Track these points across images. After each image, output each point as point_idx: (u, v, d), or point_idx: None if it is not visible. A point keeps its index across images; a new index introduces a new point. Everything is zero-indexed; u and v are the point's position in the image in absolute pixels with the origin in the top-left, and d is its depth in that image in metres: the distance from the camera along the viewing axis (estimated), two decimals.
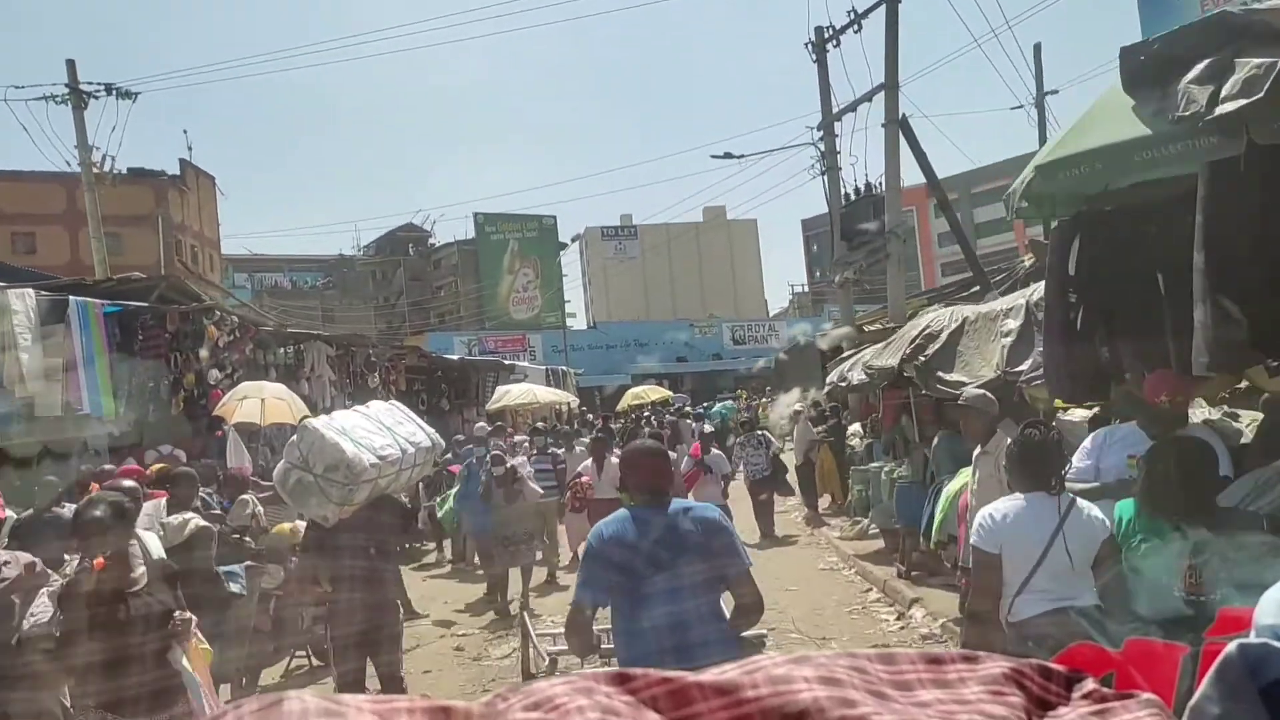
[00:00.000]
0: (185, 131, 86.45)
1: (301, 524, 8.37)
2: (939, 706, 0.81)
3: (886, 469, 13.41)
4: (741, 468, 15.91)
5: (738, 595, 3.87)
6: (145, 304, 13.92)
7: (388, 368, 21.25)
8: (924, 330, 10.43)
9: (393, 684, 6.04)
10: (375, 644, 5.94)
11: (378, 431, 6.02)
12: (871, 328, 19.45)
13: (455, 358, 26.86)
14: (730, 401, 30.15)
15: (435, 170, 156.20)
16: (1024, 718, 0.82)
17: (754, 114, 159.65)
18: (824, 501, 16.60)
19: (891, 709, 0.79)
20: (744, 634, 3.99)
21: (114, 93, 22.06)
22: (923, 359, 9.30)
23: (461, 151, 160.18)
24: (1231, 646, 0.81)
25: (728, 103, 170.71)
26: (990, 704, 0.81)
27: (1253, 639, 0.84)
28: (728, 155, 20.51)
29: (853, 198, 19.66)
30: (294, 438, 6.14)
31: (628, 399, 31.40)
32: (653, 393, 32.15)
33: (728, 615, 3.92)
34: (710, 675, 0.81)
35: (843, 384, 12.59)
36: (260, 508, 9.59)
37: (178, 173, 41.79)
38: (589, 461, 12.43)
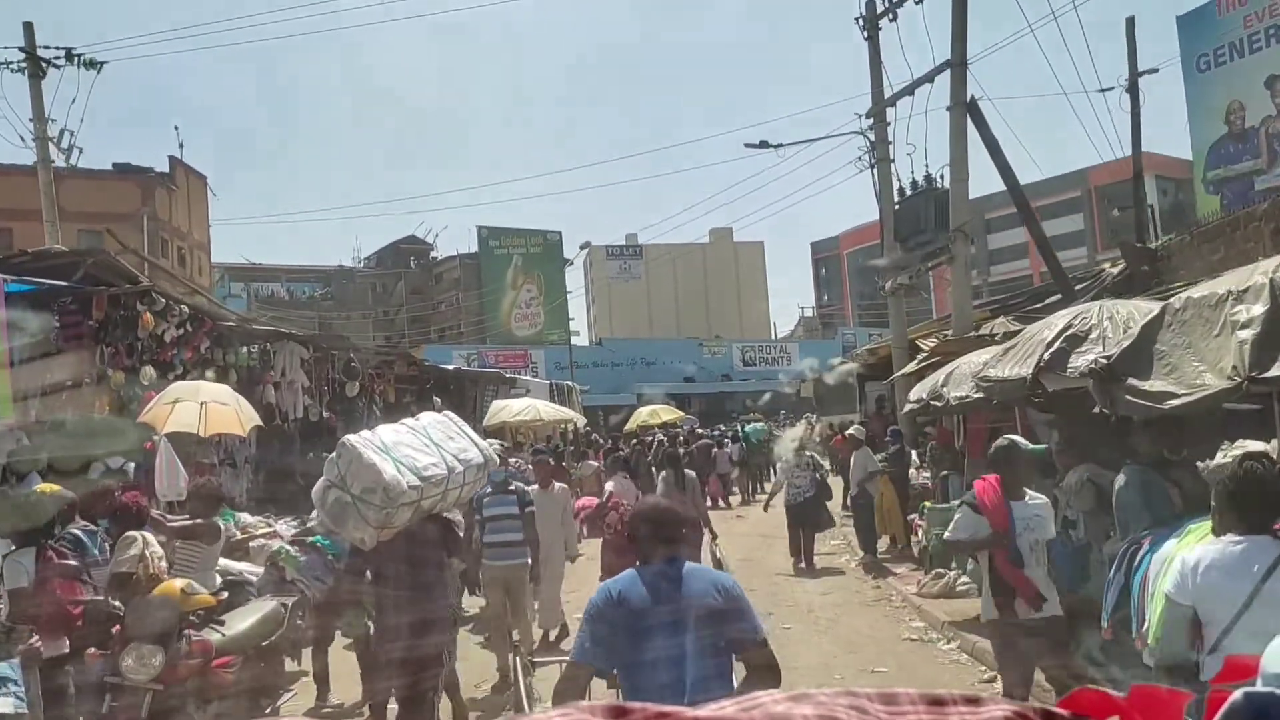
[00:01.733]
0: (176, 128, 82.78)
1: (200, 588, 5.72)
2: None
3: None
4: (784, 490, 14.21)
5: (754, 662, 3.61)
6: (66, 284, 11.16)
7: (372, 375, 18.39)
8: (1065, 330, 7.69)
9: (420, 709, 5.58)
10: (416, 666, 5.52)
11: (423, 449, 5.62)
12: (925, 343, 16.64)
13: (450, 367, 23.99)
14: (760, 424, 27.35)
15: (439, 182, 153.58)
16: None
17: (790, 99, 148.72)
18: (881, 543, 13.75)
19: None
20: None
21: (76, 61, 19.31)
22: (1101, 363, 6.46)
23: (466, 163, 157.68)
24: (1238, 695, 0.79)
25: (760, 88, 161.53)
26: None
27: (1259, 687, 0.83)
28: (763, 144, 17.72)
29: (907, 192, 16.87)
30: (333, 454, 5.70)
31: (637, 419, 28.66)
32: (665, 413, 29.29)
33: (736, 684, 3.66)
34: (708, 711, 0.79)
35: (936, 402, 9.73)
36: (154, 549, 6.73)
37: (167, 170, 39.06)
38: (613, 482, 10.66)
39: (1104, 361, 6.41)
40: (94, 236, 28.05)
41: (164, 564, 6.72)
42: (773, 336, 68.56)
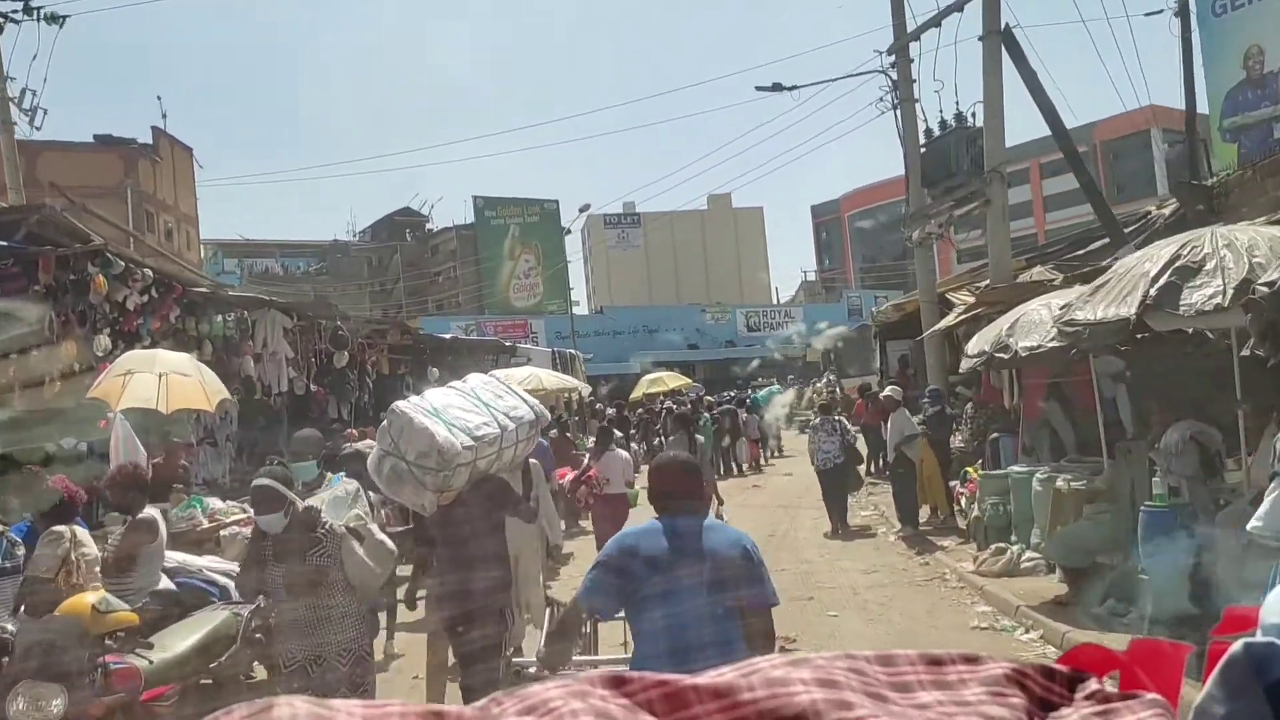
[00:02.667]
0: (159, 98, 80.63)
1: (117, 604, 4.44)
2: (939, 708, 0.78)
3: (1040, 476, 9.27)
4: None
5: (749, 624, 3.55)
6: (6, 243, 9.88)
7: (363, 345, 17.03)
8: (1173, 262, 6.39)
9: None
10: (479, 625, 5.36)
11: (474, 409, 5.50)
12: (958, 296, 15.30)
13: (448, 336, 22.63)
14: (775, 386, 26.11)
15: (434, 153, 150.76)
16: (1025, 719, 0.78)
17: (802, 38, 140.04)
18: (921, 513, 12.45)
19: (890, 711, 0.76)
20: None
21: (35, 14, 17.78)
22: (1261, 291, 5.11)
23: (462, 133, 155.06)
24: (1237, 645, 0.77)
25: (768, 25, 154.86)
26: (991, 705, 0.78)
27: (1258, 638, 0.81)
28: (776, 87, 16.25)
29: (935, 134, 15.44)
30: (384, 423, 5.58)
31: (643, 386, 27.48)
32: (671, 379, 28.04)
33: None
34: (707, 678, 0.78)
35: (1001, 354, 8.38)
36: (86, 549, 5.44)
37: (150, 141, 37.50)
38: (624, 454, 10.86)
39: (1265, 290, 5.06)
40: (73, 212, 26.57)
41: (97, 569, 5.42)
42: (774, 302, 67.02)
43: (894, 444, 12.06)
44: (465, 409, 5.51)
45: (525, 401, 5.96)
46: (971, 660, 0.83)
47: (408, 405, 5.47)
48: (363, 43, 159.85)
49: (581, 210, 34.10)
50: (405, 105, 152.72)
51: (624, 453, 11.36)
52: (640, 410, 25.20)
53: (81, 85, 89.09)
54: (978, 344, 9.03)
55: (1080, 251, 14.71)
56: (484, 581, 5.43)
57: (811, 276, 74.38)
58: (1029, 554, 9.18)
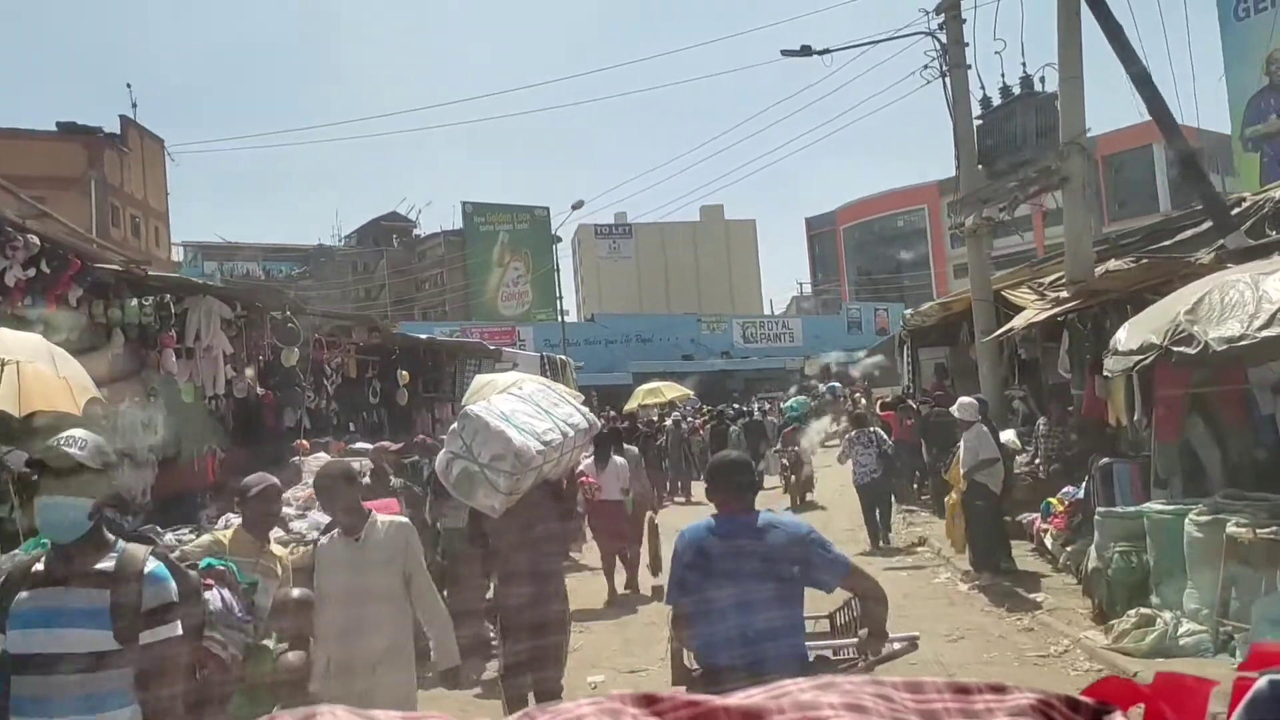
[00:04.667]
0: (129, 86, 77.01)
1: None
2: None
3: (1197, 517, 6.73)
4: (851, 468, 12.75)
5: (857, 592, 3.77)
6: None
7: (320, 343, 14.37)
8: None
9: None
10: (542, 647, 5.50)
11: (538, 415, 5.61)
12: (1018, 294, 12.79)
13: (424, 336, 19.95)
14: (803, 396, 23.66)
15: (422, 157, 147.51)
16: None
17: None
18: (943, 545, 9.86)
19: None
20: (894, 637, 3.81)
21: None
22: None
23: (451, 138, 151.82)
24: (1262, 681, 0.79)
25: None
26: None
27: None
28: (805, 50, 13.59)
29: (994, 103, 12.96)
30: (455, 426, 5.66)
31: (639, 396, 24.95)
32: (669, 390, 25.46)
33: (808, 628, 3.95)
34: (737, 699, 0.78)
35: (1184, 348, 5.82)
36: None
37: (118, 131, 34.79)
38: (590, 460, 10.22)
39: None
40: (26, 210, 23.87)
41: None
42: (769, 314, 64.59)
43: (966, 467, 9.44)
44: (530, 415, 5.56)
45: (578, 410, 5.97)
46: (998, 690, 0.82)
47: (481, 409, 5.50)
48: (356, 42, 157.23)
49: (575, 207, 31.67)
50: (395, 106, 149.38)
51: (620, 459, 11.02)
52: (632, 423, 22.61)
53: (46, 70, 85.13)
54: (1136, 335, 6.49)
55: (1167, 242, 12.21)
56: (545, 586, 5.57)
57: (807, 289, 71.91)
58: (1189, 625, 6.60)
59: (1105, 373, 7.08)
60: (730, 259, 77.21)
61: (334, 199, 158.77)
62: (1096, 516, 7.76)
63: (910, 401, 16.32)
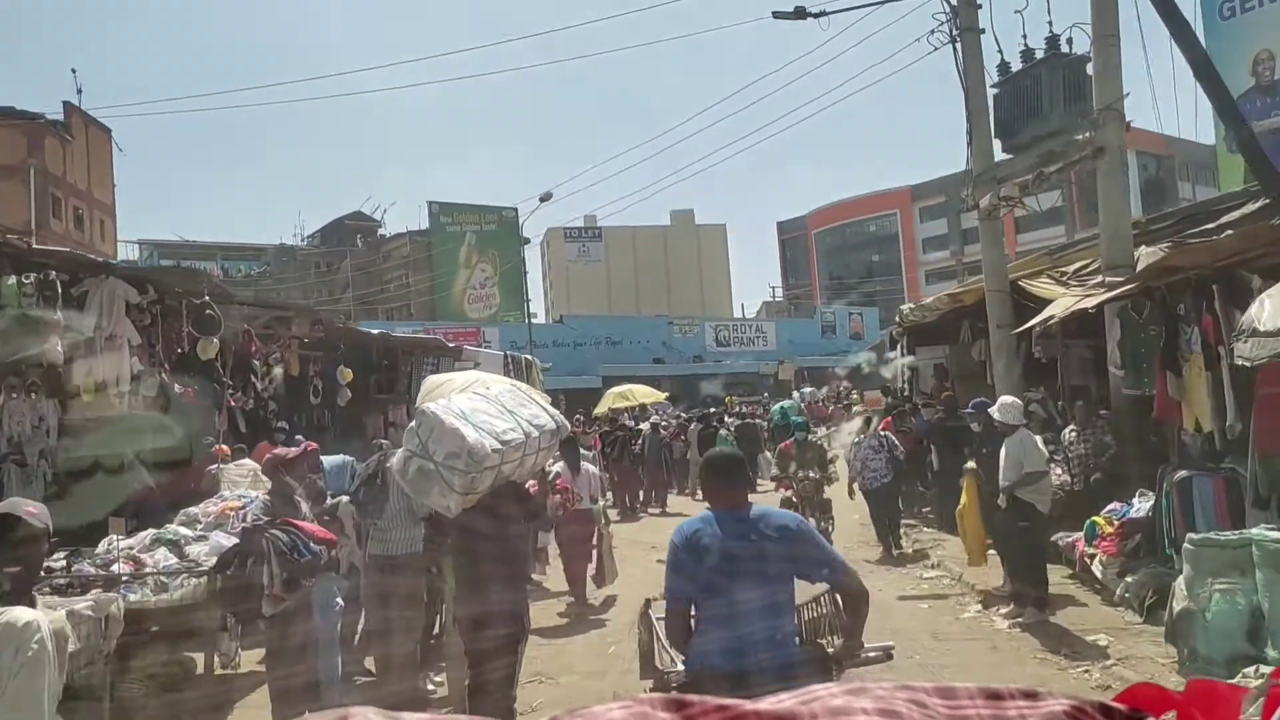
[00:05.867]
0: (74, 71, 73.33)
1: None
2: None
3: None
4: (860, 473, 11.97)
5: (841, 589, 3.75)
6: None
7: (250, 334, 12.53)
8: None
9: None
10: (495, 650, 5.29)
11: (499, 415, 5.49)
12: (1038, 285, 11.26)
13: (375, 331, 18.11)
14: (791, 402, 22.14)
15: (388, 157, 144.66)
16: None
17: None
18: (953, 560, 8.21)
19: None
20: (869, 647, 3.77)
21: None
22: None
23: (418, 136, 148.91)
24: None
25: None
26: None
27: None
28: (799, 12, 11.82)
29: (1014, 68, 11.40)
30: (411, 424, 5.59)
31: (609, 400, 23.26)
32: (640, 393, 23.83)
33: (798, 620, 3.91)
34: (768, 704, 0.77)
35: None
36: None
37: (60, 117, 32.59)
38: (561, 464, 9.58)
39: None
40: None
41: None
42: (742, 318, 63.17)
43: (1008, 481, 7.78)
44: (491, 414, 5.46)
45: (546, 410, 5.83)
46: (1031, 696, 0.80)
47: (437, 407, 5.36)
48: (319, 42, 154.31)
49: (543, 199, 29.87)
50: (361, 106, 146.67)
51: (592, 468, 10.73)
52: (604, 427, 20.93)
53: None
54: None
55: (1209, 225, 10.67)
56: (513, 600, 5.45)
57: (779, 294, 70.54)
58: None
59: (1240, 359, 5.45)
60: (701, 263, 75.87)
61: (299, 199, 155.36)
62: (1188, 545, 6.12)
63: (908, 406, 14.77)
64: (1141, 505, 8.35)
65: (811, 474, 10.95)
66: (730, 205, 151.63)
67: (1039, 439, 9.44)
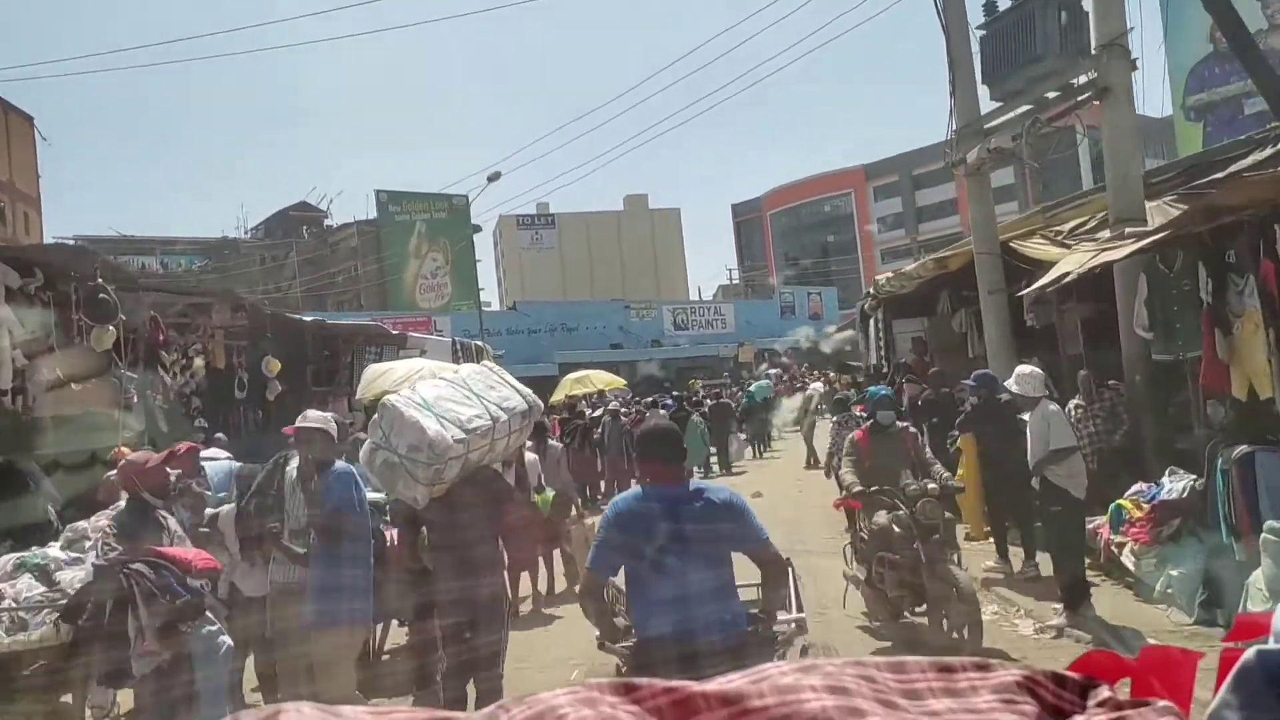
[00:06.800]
0: None
1: None
2: (950, 715, 0.76)
3: None
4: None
5: (763, 567, 3.86)
6: None
7: (157, 322, 11.07)
8: None
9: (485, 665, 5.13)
10: (475, 647, 5.12)
11: (465, 401, 5.31)
12: (1030, 245, 10.24)
13: (308, 318, 16.64)
14: (766, 381, 21.17)
15: (335, 145, 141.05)
16: None
17: None
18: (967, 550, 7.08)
19: (901, 718, 0.74)
20: (781, 619, 4.06)
21: None
22: None
23: (365, 124, 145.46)
24: (1250, 653, 0.75)
25: None
26: (1002, 713, 0.76)
27: (1271, 645, 0.78)
28: None
29: (999, 8, 10.28)
30: (375, 416, 5.46)
31: (566, 386, 21.98)
32: (598, 379, 22.60)
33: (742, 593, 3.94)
34: (716, 684, 0.77)
35: None
36: None
37: None
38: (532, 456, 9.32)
39: None
40: None
41: None
42: (700, 300, 62.20)
43: (1035, 458, 6.65)
44: (457, 401, 5.28)
45: (518, 391, 5.60)
46: (983, 667, 0.80)
47: (399, 399, 5.25)
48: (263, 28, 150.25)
49: (491, 179, 28.41)
50: (306, 93, 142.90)
51: (531, 455, 9.61)
52: (568, 413, 19.67)
53: None
54: None
55: (1219, 175, 9.63)
56: (487, 585, 5.25)
57: (736, 276, 69.59)
58: None
59: None
60: (655, 248, 74.72)
61: (240, 191, 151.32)
62: (1270, 535, 5.01)
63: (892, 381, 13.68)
64: (1173, 485, 7.30)
65: (929, 485, 6.63)
66: (684, 189, 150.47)
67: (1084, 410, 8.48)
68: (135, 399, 10.23)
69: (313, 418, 5.30)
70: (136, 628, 4.10)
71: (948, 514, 6.88)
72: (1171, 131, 34.52)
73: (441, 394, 5.32)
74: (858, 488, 6.77)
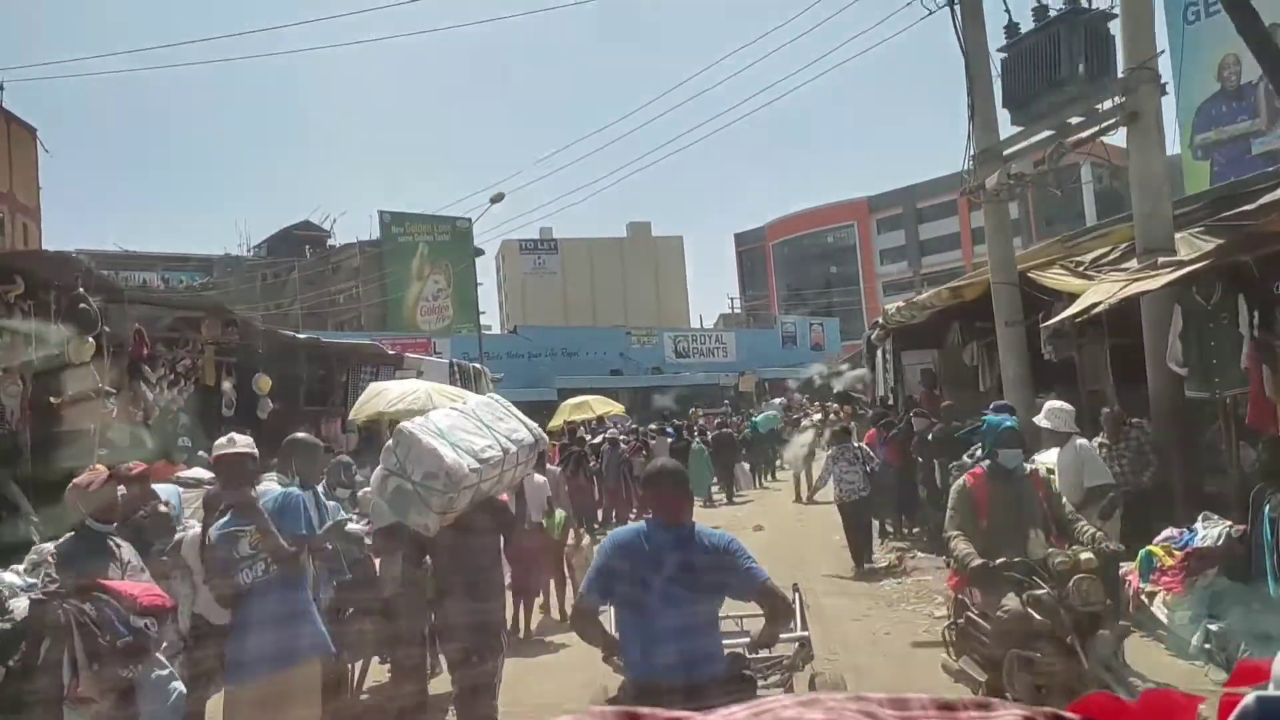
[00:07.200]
0: None
1: None
2: None
3: None
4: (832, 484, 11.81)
5: (764, 607, 3.72)
6: None
7: (143, 336, 10.64)
8: None
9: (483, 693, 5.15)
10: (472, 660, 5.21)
11: (477, 431, 5.35)
12: (1049, 275, 9.81)
13: (302, 335, 16.22)
14: (773, 412, 20.89)
15: (339, 164, 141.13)
16: None
17: None
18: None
19: None
20: (783, 639, 3.95)
21: None
22: None
23: (369, 143, 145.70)
24: (1249, 698, 0.75)
25: None
26: None
27: (1271, 691, 0.79)
28: None
29: (1022, 29, 9.92)
30: (389, 443, 5.39)
31: (565, 412, 21.63)
32: (598, 404, 22.22)
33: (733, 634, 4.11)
34: (718, 716, 0.76)
35: None
36: None
37: None
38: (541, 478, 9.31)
39: None
40: None
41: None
42: (702, 328, 61.83)
43: (1074, 497, 6.18)
44: (470, 431, 5.31)
45: (524, 424, 5.66)
46: (984, 706, 0.79)
47: (414, 426, 5.23)
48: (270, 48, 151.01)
49: (494, 201, 28.09)
50: (309, 111, 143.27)
51: (540, 477, 9.41)
52: (568, 439, 19.23)
53: None
54: None
55: (1248, 206, 9.24)
56: (490, 613, 5.33)
57: (738, 305, 69.35)
58: None
59: None
60: (658, 275, 74.51)
61: (244, 208, 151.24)
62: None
63: (890, 415, 13.27)
64: (1208, 531, 6.83)
65: (1082, 555, 4.88)
66: (687, 218, 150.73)
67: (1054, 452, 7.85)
68: (115, 414, 9.79)
69: (241, 443, 4.98)
70: (70, 671, 3.62)
71: (1108, 600, 4.95)
72: (1178, 169, 34.30)
73: (455, 423, 5.35)
74: (976, 561, 4.86)
